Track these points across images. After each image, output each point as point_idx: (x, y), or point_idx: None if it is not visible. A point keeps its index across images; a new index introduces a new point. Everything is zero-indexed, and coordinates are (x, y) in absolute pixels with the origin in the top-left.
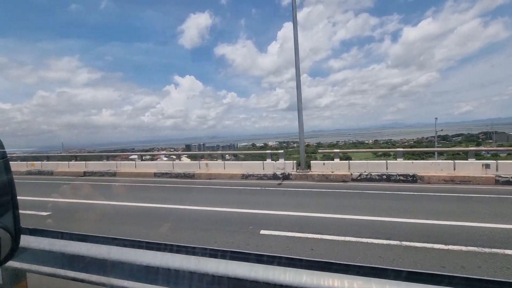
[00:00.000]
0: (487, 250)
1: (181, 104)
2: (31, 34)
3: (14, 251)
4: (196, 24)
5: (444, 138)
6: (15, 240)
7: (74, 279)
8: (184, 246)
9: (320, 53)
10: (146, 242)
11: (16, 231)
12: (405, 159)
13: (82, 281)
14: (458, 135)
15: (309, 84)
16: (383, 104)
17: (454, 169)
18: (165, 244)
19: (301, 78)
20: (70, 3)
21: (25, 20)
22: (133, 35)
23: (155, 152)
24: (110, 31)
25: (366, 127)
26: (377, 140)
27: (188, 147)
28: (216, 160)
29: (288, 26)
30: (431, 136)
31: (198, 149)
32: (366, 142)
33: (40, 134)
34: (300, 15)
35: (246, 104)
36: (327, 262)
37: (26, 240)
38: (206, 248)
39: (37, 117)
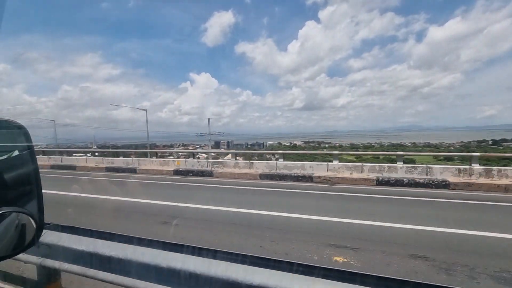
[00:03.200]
0: None
1: (197, 101)
2: (58, 30)
3: (38, 238)
4: (219, 23)
5: (495, 143)
6: (39, 227)
7: (101, 279)
8: (206, 249)
9: (340, 52)
10: (163, 242)
11: (40, 219)
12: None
13: (111, 283)
14: (504, 140)
15: (327, 84)
16: (402, 106)
17: None
18: (187, 246)
19: (318, 77)
20: (101, 0)
21: (52, 17)
22: (156, 32)
23: (213, 150)
24: (133, 28)
25: (381, 129)
26: (414, 142)
27: (217, 144)
28: (269, 160)
29: (309, 25)
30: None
31: (227, 147)
32: (403, 144)
33: (63, 127)
34: (324, 13)
35: (261, 102)
36: (343, 271)
37: (57, 237)
38: (217, 251)
39: (61, 111)
